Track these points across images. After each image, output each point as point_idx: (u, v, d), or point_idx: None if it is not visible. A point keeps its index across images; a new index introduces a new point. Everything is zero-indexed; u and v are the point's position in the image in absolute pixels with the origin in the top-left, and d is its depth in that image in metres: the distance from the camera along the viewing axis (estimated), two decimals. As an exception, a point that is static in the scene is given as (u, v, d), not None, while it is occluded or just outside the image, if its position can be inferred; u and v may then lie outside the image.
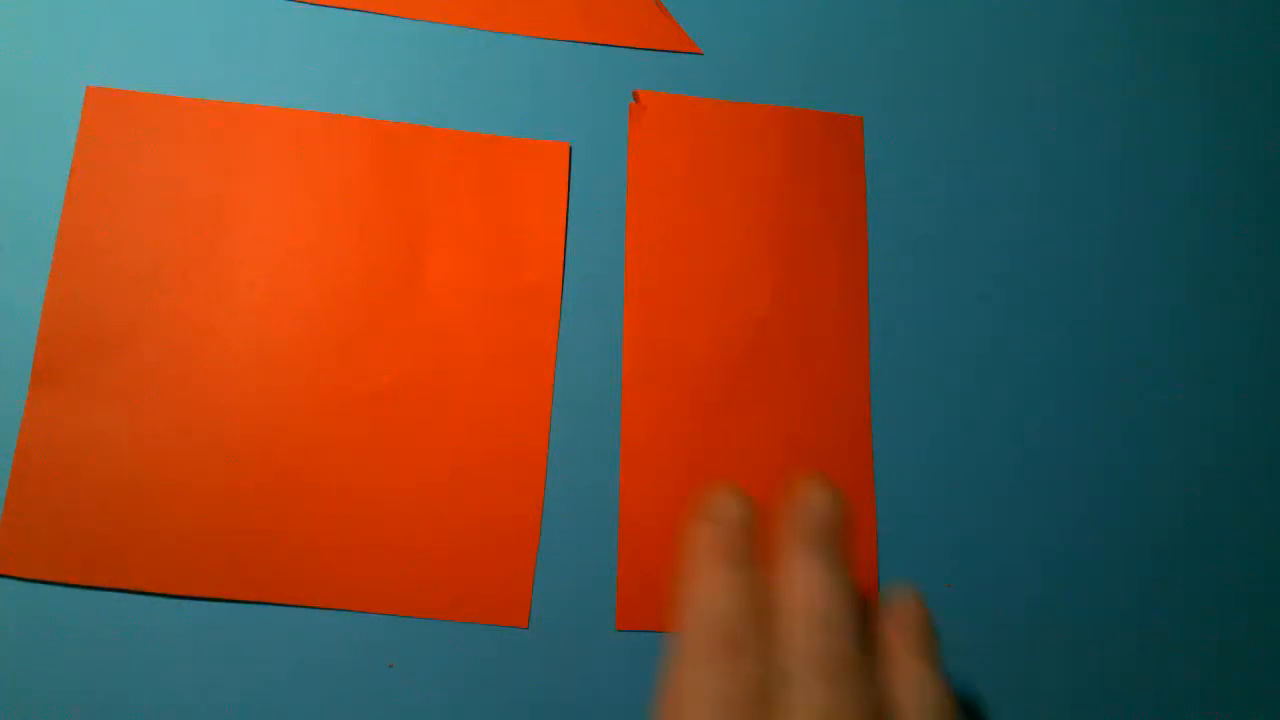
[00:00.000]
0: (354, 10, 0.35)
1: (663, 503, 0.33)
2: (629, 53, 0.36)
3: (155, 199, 0.33)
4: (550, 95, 0.36)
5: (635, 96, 0.36)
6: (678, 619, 0.25)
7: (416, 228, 0.34)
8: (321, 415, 0.32)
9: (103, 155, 0.33)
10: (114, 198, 0.33)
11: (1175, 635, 0.34)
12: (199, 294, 0.33)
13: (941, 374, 0.35)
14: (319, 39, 0.35)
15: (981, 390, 0.35)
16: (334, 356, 0.33)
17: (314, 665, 0.31)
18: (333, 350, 0.33)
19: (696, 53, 0.36)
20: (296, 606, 0.31)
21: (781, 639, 0.24)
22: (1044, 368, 0.36)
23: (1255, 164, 0.38)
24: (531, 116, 0.36)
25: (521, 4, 0.36)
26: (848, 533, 0.26)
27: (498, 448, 0.33)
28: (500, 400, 0.33)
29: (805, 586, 0.24)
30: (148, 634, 0.30)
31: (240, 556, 0.31)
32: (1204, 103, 0.39)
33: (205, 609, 0.31)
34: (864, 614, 0.25)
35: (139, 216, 0.33)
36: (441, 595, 0.31)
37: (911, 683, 0.25)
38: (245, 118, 0.34)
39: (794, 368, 0.34)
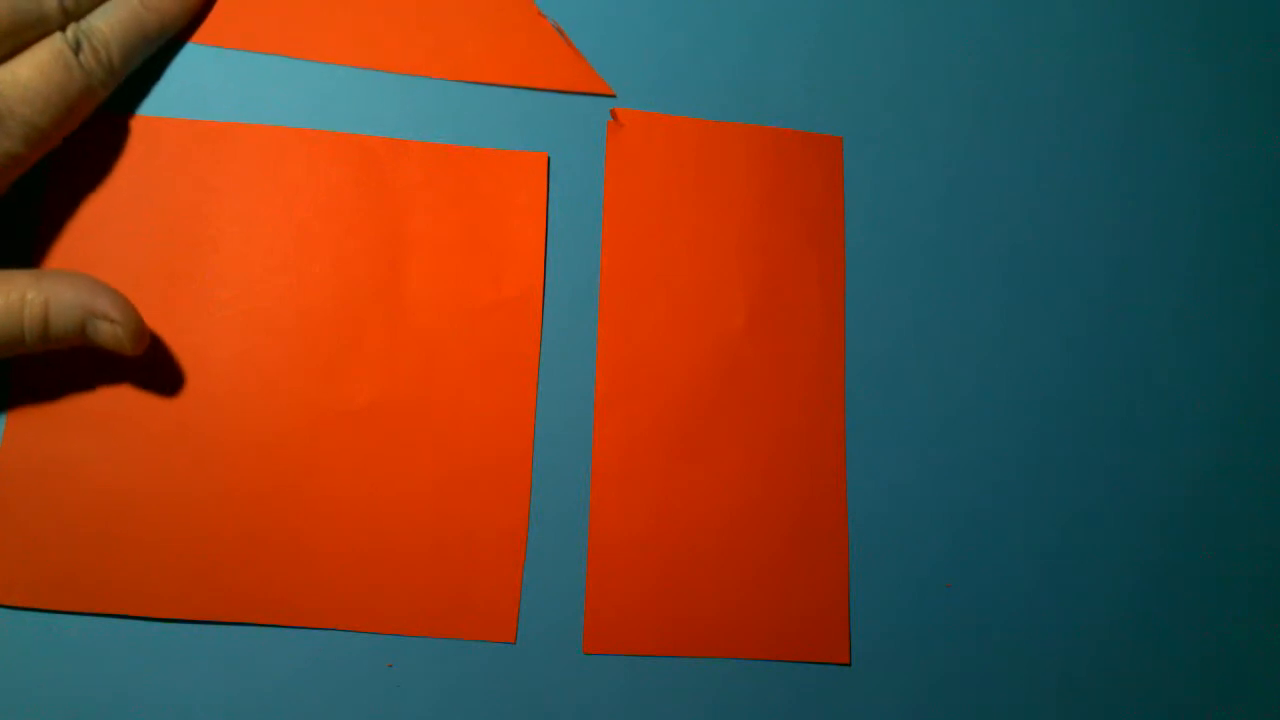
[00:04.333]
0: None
1: (635, 523, 0.33)
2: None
3: (131, 218, 0.33)
4: (527, 105, 0.35)
5: (614, 115, 0.36)
6: None
7: (395, 242, 0.34)
8: (302, 433, 0.32)
9: (79, 176, 0.32)
10: (90, 217, 0.32)
11: (1176, 636, 0.35)
12: (177, 312, 0.32)
13: (919, 391, 0.36)
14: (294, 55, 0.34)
15: (960, 408, 0.36)
16: (314, 374, 0.33)
17: (300, 686, 0.31)
18: (313, 367, 0.33)
19: (610, 95, 0.36)
20: (283, 627, 0.31)
21: None
22: (1025, 379, 0.36)
23: (1255, 168, 0.39)
24: (508, 127, 0.35)
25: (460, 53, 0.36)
26: None
27: (481, 463, 0.33)
28: (483, 414, 0.33)
29: None
30: (124, 658, 0.31)
31: (222, 578, 0.31)
32: (1200, 120, 0.39)
33: (187, 631, 0.31)
34: None
35: (115, 236, 0.32)
36: (428, 612, 0.32)
37: None
38: (220, 135, 0.33)
39: (769, 387, 0.35)
